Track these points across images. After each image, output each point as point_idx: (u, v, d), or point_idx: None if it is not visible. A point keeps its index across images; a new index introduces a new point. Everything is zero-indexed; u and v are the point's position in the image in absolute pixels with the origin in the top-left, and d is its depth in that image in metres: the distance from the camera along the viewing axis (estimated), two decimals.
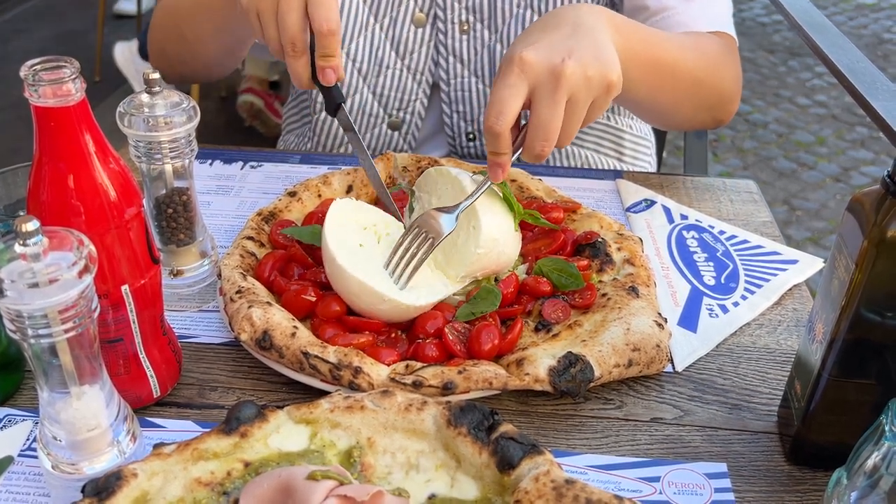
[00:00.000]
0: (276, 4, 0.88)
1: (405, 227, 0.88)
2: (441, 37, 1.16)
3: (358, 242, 0.83)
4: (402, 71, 1.19)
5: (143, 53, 3.47)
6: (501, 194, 0.87)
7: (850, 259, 0.62)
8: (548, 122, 0.79)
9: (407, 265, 0.81)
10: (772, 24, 4.96)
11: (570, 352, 0.75)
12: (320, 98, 1.22)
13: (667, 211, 1.06)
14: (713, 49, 1.07)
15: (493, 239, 0.84)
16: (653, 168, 1.38)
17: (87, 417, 0.62)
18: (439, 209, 0.84)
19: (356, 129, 0.94)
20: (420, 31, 1.16)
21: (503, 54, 1.14)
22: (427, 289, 0.82)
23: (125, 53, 3.53)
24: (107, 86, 3.71)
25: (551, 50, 0.80)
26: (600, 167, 1.28)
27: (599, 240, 0.91)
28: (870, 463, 0.55)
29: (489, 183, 0.84)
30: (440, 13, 1.15)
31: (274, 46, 0.91)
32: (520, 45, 0.81)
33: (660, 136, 1.69)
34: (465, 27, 1.15)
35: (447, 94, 1.19)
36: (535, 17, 1.13)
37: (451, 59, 1.17)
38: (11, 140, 3.15)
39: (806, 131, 3.78)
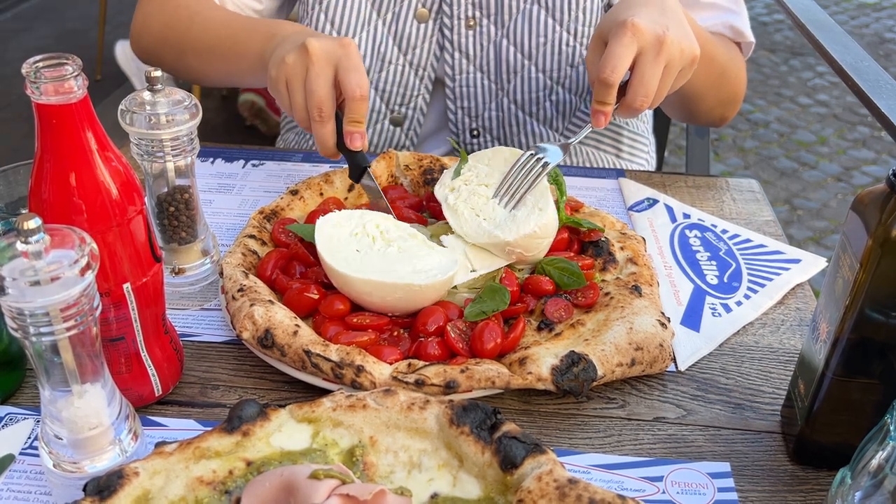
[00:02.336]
0: (306, 71, 0.90)
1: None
2: (447, 32, 1.16)
3: (354, 249, 0.83)
4: (404, 66, 1.18)
5: None
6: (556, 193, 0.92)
7: (855, 258, 0.61)
8: (650, 80, 0.89)
9: (519, 186, 0.88)
10: (773, 23, 4.95)
11: (573, 351, 0.74)
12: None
13: (669, 210, 1.06)
14: (734, 51, 1.17)
15: (547, 226, 0.86)
16: (651, 164, 1.39)
17: (88, 416, 0.61)
18: (559, 145, 0.92)
19: (378, 187, 0.96)
20: (423, 26, 1.16)
21: (509, 50, 1.15)
22: (437, 269, 0.82)
23: (126, 52, 3.52)
24: (108, 84, 3.71)
25: (654, 21, 0.90)
26: (600, 164, 1.29)
27: (602, 239, 0.91)
28: (874, 463, 0.55)
29: (591, 129, 0.94)
30: (446, 8, 1.15)
31: (300, 115, 0.94)
32: (625, 13, 0.90)
33: (661, 136, 1.68)
34: (472, 22, 1.15)
35: (452, 90, 1.19)
36: (542, 12, 1.14)
37: (456, 54, 1.17)
38: (12, 139, 3.15)
39: (807, 131, 3.77)
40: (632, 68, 0.90)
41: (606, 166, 1.29)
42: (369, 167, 0.95)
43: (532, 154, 0.90)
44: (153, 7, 1.21)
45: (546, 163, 0.89)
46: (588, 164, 1.28)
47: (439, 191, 0.93)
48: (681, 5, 0.97)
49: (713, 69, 1.08)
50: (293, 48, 0.92)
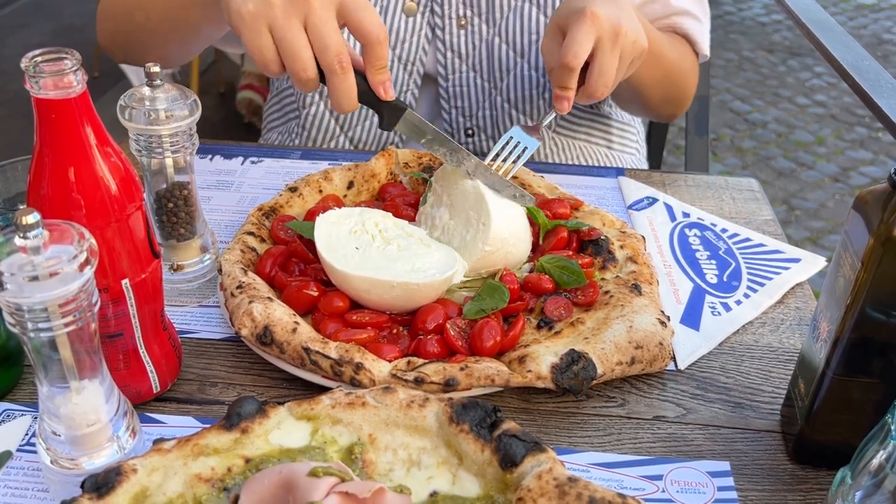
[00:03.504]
0: (304, 17, 0.78)
1: (419, 217, 0.93)
2: (438, 32, 1.16)
3: (353, 247, 0.83)
4: (392, 61, 1.17)
5: None
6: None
7: (856, 257, 0.61)
8: (609, 68, 0.93)
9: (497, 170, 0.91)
10: (771, 23, 4.96)
11: (573, 349, 0.74)
12: (312, 98, 1.21)
13: (669, 209, 1.05)
14: (687, 53, 1.22)
15: (501, 238, 0.85)
16: (642, 154, 1.39)
17: (86, 412, 0.61)
18: (525, 127, 0.97)
19: (425, 121, 0.88)
20: (411, 20, 1.15)
21: (501, 48, 1.14)
22: (436, 268, 0.81)
23: None
24: (105, 81, 3.70)
25: (611, 12, 0.93)
26: (592, 156, 1.29)
27: (602, 237, 0.91)
28: (875, 462, 0.55)
29: (556, 116, 0.99)
30: (437, 8, 1.14)
31: (301, 65, 0.80)
32: (582, 3, 0.93)
33: (659, 135, 1.69)
34: (463, 21, 1.15)
35: (445, 90, 1.19)
36: (534, 10, 1.14)
37: (448, 54, 1.17)
38: (10, 135, 3.14)
39: (805, 131, 3.78)
40: (590, 56, 0.93)
41: (599, 158, 1.30)
42: (408, 108, 0.86)
43: (505, 144, 0.95)
44: (102, 8, 1.18)
45: (525, 147, 0.95)
46: (581, 158, 1.28)
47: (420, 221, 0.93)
48: (631, 2, 1.01)
49: (661, 65, 1.12)
50: None
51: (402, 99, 1.19)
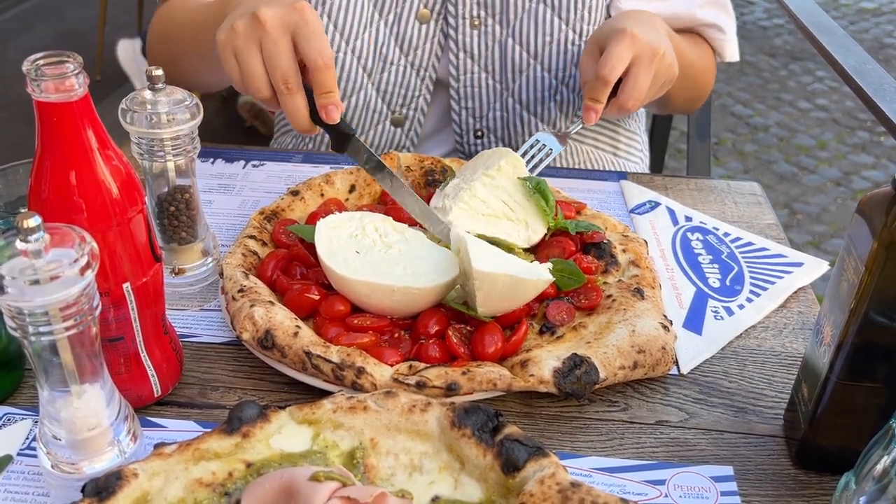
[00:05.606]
0: (259, 41, 0.85)
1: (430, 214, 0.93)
2: (451, 32, 1.16)
3: (353, 250, 0.83)
4: (405, 67, 1.18)
5: (146, 52, 3.47)
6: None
7: (860, 261, 0.61)
8: (643, 84, 0.97)
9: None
10: (773, 27, 4.96)
11: (575, 353, 0.74)
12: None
13: (671, 213, 1.05)
14: (708, 53, 1.26)
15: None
16: (644, 162, 1.41)
17: (87, 416, 0.61)
18: (553, 132, 1.06)
19: (374, 153, 0.90)
20: (424, 27, 1.16)
21: (514, 49, 1.15)
22: (436, 272, 0.81)
23: (128, 51, 3.52)
24: (108, 84, 3.71)
25: (648, 33, 0.99)
26: (598, 162, 1.30)
27: (605, 241, 0.91)
28: (879, 467, 0.55)
29: (582, 125, 1.02)
30: (451, 8, 1.14)
31: (255, 85, 0.87)
32: (623, 24, 0.98)
33: (661, 140, 1.68)
34: (476, 22, 1.15)
35: (456, 91, 1.19)
36: (548, 12, 1.14)
37: (461, 54, 1.17)
38: (12, 139, 3.14)
39: (807, 135, 3.77)
40: (625, 73, 0.97)
41: (604, 164, 1.31)
42: (354, 134, 0.89)
43: (532, 145, 1.02)
44: (152, 34, 1.24)
45: (550, 150, 1.03)
46: (587, 163, 1.29)
47: (436, 201, 0.95)
48: (664, 25, 1.07)
49: (688, 74, 1.15)
50: (243, 14, 0.87)
51: (411, 105, 1.19)
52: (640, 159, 1.38)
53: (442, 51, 1.17)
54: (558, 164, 1.26)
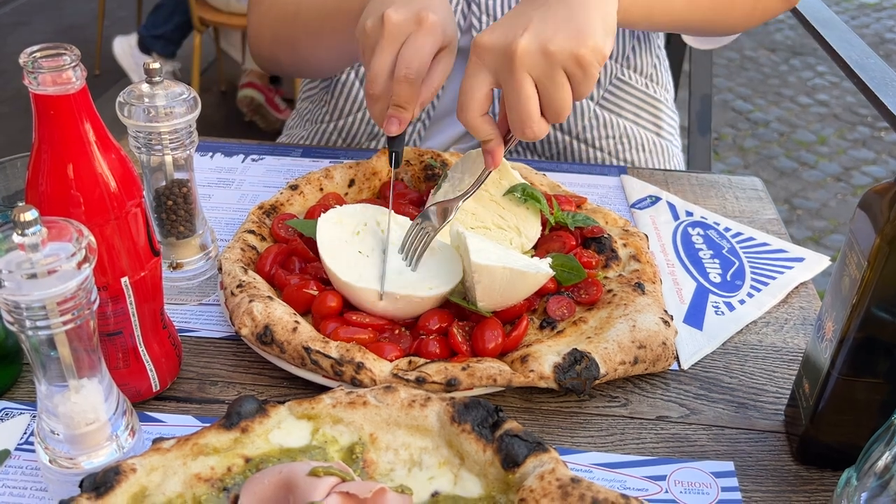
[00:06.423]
0: (377, 41, 0.83)
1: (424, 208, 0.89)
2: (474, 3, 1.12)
3: (356, 251, 0.82)
4: None
5: (143, 47, 3.46)
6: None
7: (862, 256, 0.61)
8: (516, 104, 0.75)
9: (413, 254, 0.83)
10: (773, 22, 4.95)
11: (576, 349, 0.74)
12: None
13: (672, 207, 1.05)
14: None
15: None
16: (677, 142, 1.36)
17: (85, 411, 0.61)
18: (441, 202, 0.84)
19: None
20: None
21: None
22: (439, 279, 0.81)
23: (124, 47, 3.51)
24: (106, 79, 3.71)
25: (508, 27, 0.75)
26: (639, 139, 1.25)
27: (605, 235, 0.90)
28: (880, 463, 0.54)
29: (488, 172, 0.84)
30: None
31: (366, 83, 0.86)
32: (485, 28, 0.81)
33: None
34: None
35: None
36: None
37: (483, 17, 1.13)
38: (10, 133, 3.14)
39: (807, 130, 3.77)
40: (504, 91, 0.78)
41: (646, 143, 1.26)
42: (396, 151, 0.86)
43: (416, 223, 0.84)
44: (261, 11, 1.20)
45: (428, 234, 0.83)
46: (626, 140, 1.24)
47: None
48: None
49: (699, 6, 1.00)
50: (374, 12, 0.85)
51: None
52: (674, 138, 1.31)
53: (465, 20, 1.14)
54: (597, 134, 1.21)
